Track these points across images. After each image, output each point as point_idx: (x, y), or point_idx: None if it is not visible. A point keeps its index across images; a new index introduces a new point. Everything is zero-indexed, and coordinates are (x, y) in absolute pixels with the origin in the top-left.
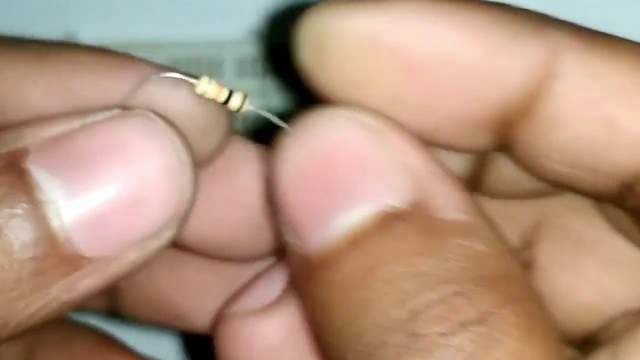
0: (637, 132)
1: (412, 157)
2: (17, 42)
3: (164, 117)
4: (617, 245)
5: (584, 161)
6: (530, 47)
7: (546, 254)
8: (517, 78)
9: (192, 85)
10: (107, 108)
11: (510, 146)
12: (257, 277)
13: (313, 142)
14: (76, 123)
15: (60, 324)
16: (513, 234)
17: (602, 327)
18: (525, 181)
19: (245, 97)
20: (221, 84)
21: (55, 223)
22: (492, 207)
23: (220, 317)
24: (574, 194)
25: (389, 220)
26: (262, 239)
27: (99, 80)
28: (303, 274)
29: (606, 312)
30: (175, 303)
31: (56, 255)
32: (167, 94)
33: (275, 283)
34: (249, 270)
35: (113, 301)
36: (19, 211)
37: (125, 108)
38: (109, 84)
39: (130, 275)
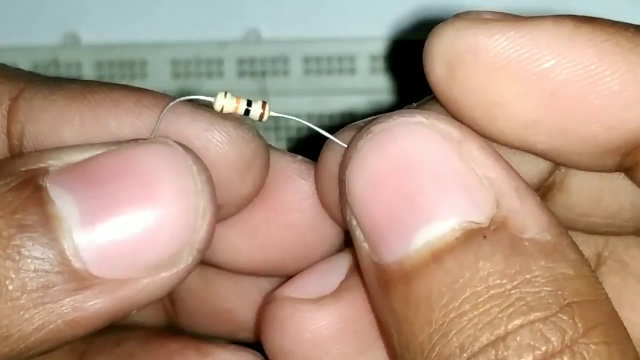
0: None
1: (493, 171)
2: (53, 82)
3: (182, 145)
4: None
5: None
6: None
7: (607, 288)
8: None
9: (210, 110)
10: (131, 140)
11: (633, 167)
12: (316, 265)
13: (390, 148)
14: (98, 150)
15: (110, 329)
16: None
17: None
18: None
19: (265, 104)
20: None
21: (66, 239)
22: None
23: (270, 300)
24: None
25: (472, 237)
26: (310, 258)
27: (132, 119)
28: (378, 283)
29: None
30: (234, 312)
31: (64, 271)
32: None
33: (334, 275)
34: None
35: (171, 315)
36: (30, 223)
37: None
38: (142, 123)
39: (147, 302)
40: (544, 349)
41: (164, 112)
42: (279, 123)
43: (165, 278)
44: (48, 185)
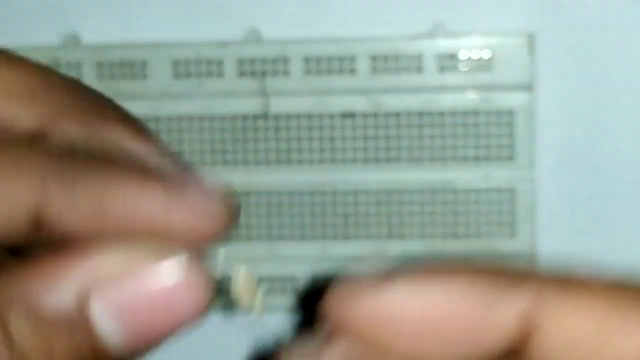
0: None
1: None
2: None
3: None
4: None
5: None
6: (511, 303)
7: None
8: (503, 331)
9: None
10: (165, 251)
11: None
12: None
13: None
14: (133, 264)
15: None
16: None
17: None
18: None
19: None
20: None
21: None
22: None
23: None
24: None
25: None
26: None
27: (136, 200)
28: None
29: None
30: None
31: None
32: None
33: None
34: None
35: None
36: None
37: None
38: (146, 204)
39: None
40: None
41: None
42: (279, 123)
43: None
44: (92, 309)
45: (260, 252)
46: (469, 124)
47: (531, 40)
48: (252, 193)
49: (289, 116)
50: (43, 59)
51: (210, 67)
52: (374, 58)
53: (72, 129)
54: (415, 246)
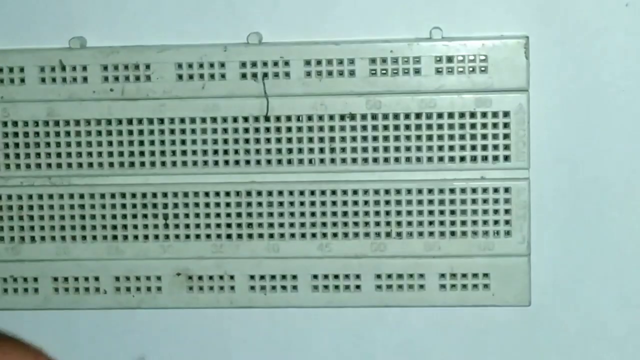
0: None
1: None
2: None
3: None
4: None
5: None
6: None
7: None
8: None
9: None
10: None
11: None
12: None
13: None
14: None
15: None
16: None
17: None
18: None
19: None
20: None
21: None
22: None
23: None
24: None
25: None
26: None
27: None
28: None
29: None
30: None
31: None
32: None
33: None
34: None
35: None
36: None
37: None
38: None
39: None
40: None
41: None
42: (280, 124)
43: None
44: None
45: (260, 251)
46: (465, 125)
47: (526, 43)
48: (252, 193)
49: (289, 117)
50: (49, 61)
51: (212, 70)
52: (372, 61)
53: None
54: (413, 245)
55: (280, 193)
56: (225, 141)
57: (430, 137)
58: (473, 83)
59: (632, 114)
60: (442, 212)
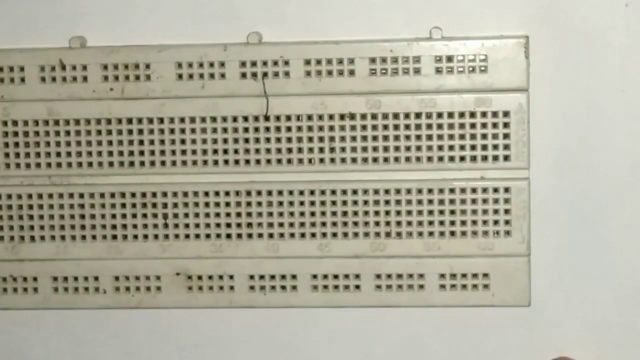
0: None
1: None
2: None
3: None
4: None
5: None
6: None
7: None
8: None
9: None
10: None
11: None
12: None
13: None
14: None
15: None
16: None
17: None
18: None
19: None
20: None
21: None
22: None
23: None
24: None
25: None
26: None
27: None
28: None
29: None
30: None
31: None
32: None
33: None
34: None
35: None
36: None
37: None
38: None
39: None
40: None
41: None
42: (280, 123)
43: None
44: None
45: (260, 251)
46: (465, 125)
47: (526, 43)
48: (252, 193)
49: (289, 117)
50: (49, 60)
51: (212, 69)
52: (372, 60)
53: None
54: (413, 245)
55: (280, 193)
56: (225, 141)
57: (430, 137)
58: (473, 83)
59: (631, 114)
60: (442, 212)
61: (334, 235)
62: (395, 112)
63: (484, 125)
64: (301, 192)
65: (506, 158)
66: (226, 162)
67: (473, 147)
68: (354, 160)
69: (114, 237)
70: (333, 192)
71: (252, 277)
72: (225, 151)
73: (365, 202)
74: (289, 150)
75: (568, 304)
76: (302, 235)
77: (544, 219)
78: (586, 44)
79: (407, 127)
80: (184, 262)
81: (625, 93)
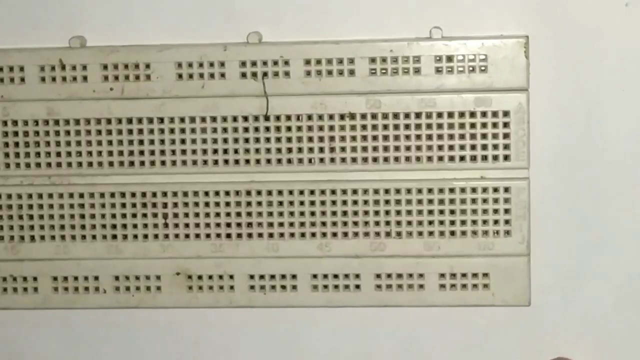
0: None
1: None
2: None
3: None
4: None
5: None
6: None
7: None
8: None
9: None
10: None
11: None
12: None
13: None
14: None
15: None
16: None
17: None
18: None
19: None
20: None
21: None
22: None
23: None
24: None
25: None
26: None
27: None
28: None
29: None
30: None
31: None
32: None
33: None
34: None
35: None
36: None
37: None
38: None
39: None
40: None
41: None
42: (280, 123)
43: None
44: None
45: (260, 250)
46: (465, 124)
47: (526, 43)
48: (252, 192)
49: (289, 117)
50: (49, 60)
51: (212, 69)
52: (372, 60)
53: None
54: (412, 245)
55: (280, 192)
56: (225, 140)
57: (430, 137)
58: (473, 82)
59: (631, 114)
60: (442, 212)
61: (334, 235)
62: (395, 112)
63: (484, 125)
64: (301, 192)
65: (506, 158)
66: (226, 162)
67: (473, 147)
68: (354, 160)
69: (114, 237)
70: (333, 192)
71: (252, 276)
72: (225, 151)
73: (365, 202)
74: (289, 150)
75: (568, 304)
76: (302, 235)
77: (544, 219)
78: (586, 44)
79: (407, 127)
80: (184, 262)
81: (625, 93)
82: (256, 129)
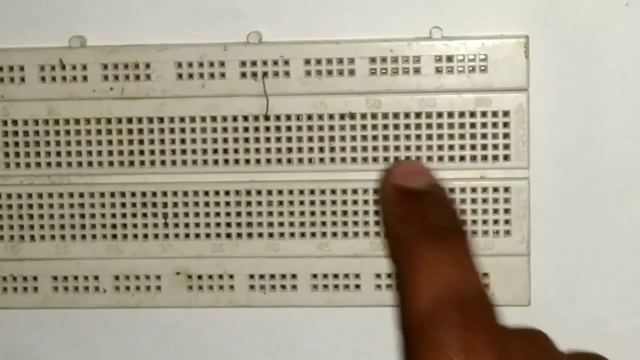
0: None
1: None
2: None
3: None
4: None
5: None
6: None
7: None
8: None
9: None
10: None
11: None
12: None
13: None
14: None
15: None
16: None
17: None
18: None
19: None
20: None
21: None
22: None
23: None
24: None
25: None
26: None
27: None
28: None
29: None
30: None
31: None
32: None
33: None
34: None
35: None
36: None
37: None
38: None
39: None
40: None
41: None
42: (280, 122)
43: None
44: None
45: (260, 250)
46: (465, 124)
47: (526, 43)
48: (252, 192)
49: (289, 116)
50: (49, 60)
51: (212, 69)
52: (372, 60)
53: None
54: None
55: (280, 192)
56: (225, 140)
57: (430, 137)
58: (473, 82)
59: (632, 114)
60: None
61: (334, 234)
62: (395, 112)
63: (484, 125)
64: (301, 192)
65: (506, 158)
66: (226, 161)
67: (473, 147)
68: (354, 160)
69: (114, 236)
70: (333, 192)
71: (252, 276)
72: (225, 151)
73: (365, 202)
74: (289, 149)
75: (568, 304)
76: (302, 234)
77: (544, 219)
78: (586, 44)
79: (407, 126)
80: (184, 262)
81: (625, 93)
82: (256, 129)
